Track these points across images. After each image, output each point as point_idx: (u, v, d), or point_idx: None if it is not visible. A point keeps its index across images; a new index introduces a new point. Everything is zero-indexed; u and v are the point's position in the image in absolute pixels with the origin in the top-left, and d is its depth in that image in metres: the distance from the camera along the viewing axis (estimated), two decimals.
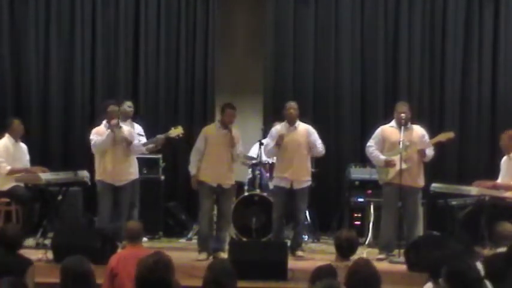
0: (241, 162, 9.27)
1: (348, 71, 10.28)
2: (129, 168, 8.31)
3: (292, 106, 8.27)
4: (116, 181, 8.20)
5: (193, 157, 8.12)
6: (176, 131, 8.68)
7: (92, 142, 8.19)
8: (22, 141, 8.88)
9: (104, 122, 8.30)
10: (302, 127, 8.27)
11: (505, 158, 8.24)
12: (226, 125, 8.04)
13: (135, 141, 8.40)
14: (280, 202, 8.24)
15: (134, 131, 8.83)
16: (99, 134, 8.21)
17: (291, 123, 8.21)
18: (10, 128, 8.72)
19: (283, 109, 8.38)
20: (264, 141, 9.10)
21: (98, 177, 8.24)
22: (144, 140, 9.01)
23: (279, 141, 8.12)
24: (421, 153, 7.98)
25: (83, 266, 4.18)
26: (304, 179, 8.21)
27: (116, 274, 5.45)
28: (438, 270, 4.33)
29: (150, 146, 8.95)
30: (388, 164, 7.96)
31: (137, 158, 8.95)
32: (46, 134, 10.26)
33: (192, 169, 8.10)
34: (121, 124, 8.33)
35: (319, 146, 8.26)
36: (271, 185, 8.96)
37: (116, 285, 5.42)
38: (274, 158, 8.64)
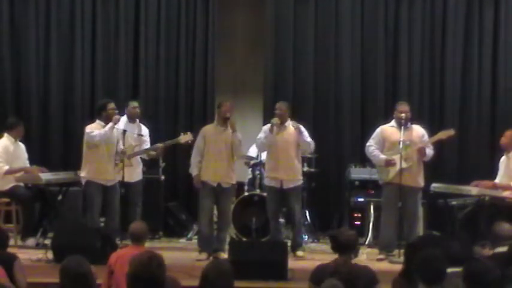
0: (244, 164, 9.29)
1: (348, 71, 10.27)
2: (118, 169, 8.24)
3: (278, 107, 8.25)
4: (107, 181, 8.17)
5: (194, 158, 8.12)
6: (186, 137, 8.61)
7: (93, 133, 8.06)
8: (21, 141, 8.88)
9: (97, 121, 8.25)
10: (292, 126, 8.26)
11: (503, 157, 8.24)
12: (224, 117, 8.02)
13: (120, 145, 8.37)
14: (272, 201, 8.25)
15: (143, 133, 8.87)
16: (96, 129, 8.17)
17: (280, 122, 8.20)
18: (11, 129, 8.72)
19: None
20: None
21: (87, 176, 8.15)
22: (148, 143, 9.00)
23: (271, 129, 8.09)
24: (422, 151, 7.97)
25: (82, 266, 4.17)
26: (294, 178, 8.20)
27: (112, 271, 5.46)
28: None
29: (151, 153, 8.92)
30: (389, 163, 7.96)
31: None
32: (46, 134, 10.26)
33: (193, 170, 8.10)
34: (122, 126, 8.34)
35: (307, 139, 8.20)
36: None
37: (113, 283, 5.43)
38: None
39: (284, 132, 8.19)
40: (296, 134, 8.17)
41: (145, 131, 9.00)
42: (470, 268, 4.15)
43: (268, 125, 8.29)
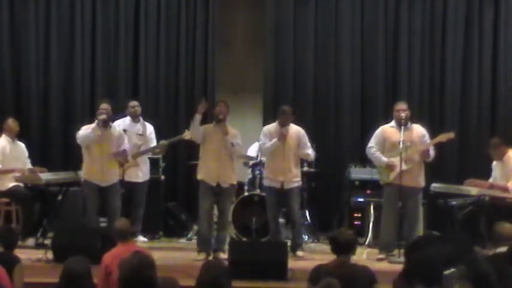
0: (243, 164, 9.28)
1: (348, 71, 10.27)
2: (116, 169, 8.23)
3: (285, 111, 8.25)
4: (102, 182, 8.15)
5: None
6: (190, 133, 8.62)
7: (78, 134, 8.14)
8: (19, 140, 8.88)
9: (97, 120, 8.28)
10: (293, 129, 8.26)
11: (495, 162, 8.29)
12: (218, 118, 8.02)
13: (126, 146, 8.35)
14: (273, 201, 8.25)
15: (146, 131, 8.91)
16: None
17: (283, 126, 8.20)
18: (5, 128, 8.73)
19: (278, 112, 8.36)
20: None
21: (84, 176, 8.21)
22: (154, 141, 9.00)
23: (283, 137, 8.08)
24: (425, 153, 7.97)
25: (83, 266, 4.18)
26: (294, 180, 8.22)
27: (110, 272, 5.45)
28: (437, 270, 4.33)
29: (156, 150, 8.94)
30: (389, 167, 7.95)
31: None
32: (46, 134, 10.26)
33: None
34: (124, 126, 8.31)
35: (308, 150, 8.27)
36: None
37: (111, 283, 5.42)
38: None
39: (287, 136, 8.20)
40: (297, 137, 8.20)
41: (150, 129, 9.03)
42: (476, 269, 4.10)
43: (268, 127, 8.30)
